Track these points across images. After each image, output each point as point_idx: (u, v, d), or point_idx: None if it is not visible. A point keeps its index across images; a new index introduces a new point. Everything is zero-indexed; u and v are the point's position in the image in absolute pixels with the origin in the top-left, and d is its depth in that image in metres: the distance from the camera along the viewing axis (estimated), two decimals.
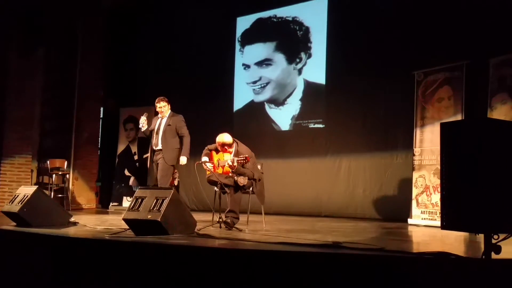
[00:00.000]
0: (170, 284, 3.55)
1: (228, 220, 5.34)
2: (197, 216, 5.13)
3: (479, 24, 6.60)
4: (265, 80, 9.25)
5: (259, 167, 5.90)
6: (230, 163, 5.46)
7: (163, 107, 6.50)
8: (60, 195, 9.15)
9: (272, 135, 9.10)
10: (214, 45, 9.79)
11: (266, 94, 9.25)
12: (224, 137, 5.67)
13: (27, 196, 5.42)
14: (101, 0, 10.19)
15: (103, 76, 10.45)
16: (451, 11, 6.94)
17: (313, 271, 3.17)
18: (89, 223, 5.77)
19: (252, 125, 9.31)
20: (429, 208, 6.66)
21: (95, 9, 10.05)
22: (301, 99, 8.86)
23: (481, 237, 3.12)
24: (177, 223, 4.55)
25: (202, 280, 3.44)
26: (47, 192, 7.97)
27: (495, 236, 3.02)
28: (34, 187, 5.65)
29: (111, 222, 6.14)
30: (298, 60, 8.93)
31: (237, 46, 9.70)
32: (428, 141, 6.85)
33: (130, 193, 9.47)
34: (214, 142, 5.77)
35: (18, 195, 5.58)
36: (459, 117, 6.49)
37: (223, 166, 5.63)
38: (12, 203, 5.56)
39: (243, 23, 9.70)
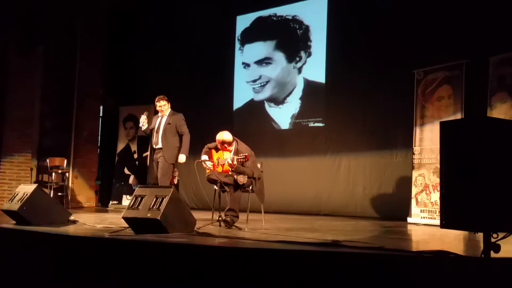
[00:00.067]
0: (170, 282, 3.55)
1: (228, 219, 5.34)
2: (196, 214, 5.13)
3: (479, 22, 6.60)
4: (265, 78, 9.25)
5: (258, 165, 5.90)
6: (230, 162, 5.45)
7: (163, 106, 6.50)
8: (59, 194, 9.16)
9: (272, 134, 9.10)
10: (214, 44, 9.79)
11: (266, 92, 9.25)
12: (224, 135, 5.67)
13: (27, 194, 5.42)
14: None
15: (103, 75, 10.44)
16: (451, 10, 6.94)
17: (312, 269, 3.18)
18: (88, 221, 5.77)
19: (252, 124, 9.31)
20: (429, 206, 6.66)
21: (95, 9, 10.05)
22: (301, 98, 8.86)
23: (480, 236, 3.12)
24: (177, 221, 4.55)
25: (202, 278, 3.44)
26: (46, 190, 7.97)
27: (495, 235, 3.02)
28: (34, 186, 5.66)
29: (111, 220, 6.14)
30: (298, 58, 8.93)
31: (237, 44, 9.69)
32: (427, 140, 6.86)
33: (130, 191, 9.48)
34: (214, 140, 5.77)
35: (17, 194, 5.58)
36: (458, 116, 6.49)
37: (222, 165, 5.63)
38: (11, 201, 5.56)
39: (243, 21, 9.69)
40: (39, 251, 4.39)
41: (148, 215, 4.45)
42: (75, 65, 9.84)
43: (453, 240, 4.63)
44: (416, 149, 6.97)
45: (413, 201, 6.86)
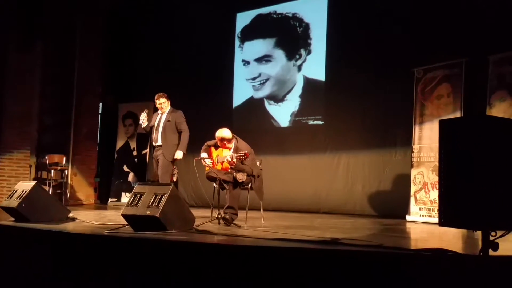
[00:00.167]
0: (169, 280, 3.55)
1: (227, 216, 5.34)
2: (195, 212, 5.13)
3: (479, 21, 6.60)
4: (265, 76, 9.24)
5: (258, 163, 5.90)
6: (230, 159, 5.45)
7: (163, 104, 6.49)
8: (58, 191, 9.15)
9: (272, 131, 9.10)
10: (213, 41, 9.77)
11: (266, 90, 9.24)
12: (223, 132, 5.67)
13: (26, 191, 5.41)
14: None
15: (102, 72, 10.43)
16: (450, 8, 6.93)
17: (311, 267, 3.18)
18: (87, 218, 5.77)
19: (251, 121, 9.30)
20: (428, 205, 6.66)
21: (95, 8, 10.04)
22: (300, 96, 8.85)
23: (479, 234, 3.12)
24: (176, 219, 4.55)
25: (201, 276, 3.45)
26: (45, 187, 7.97)
27: (493, 233, 3.03)
28: (33, 183, 5.65)
29: (110, 217, 6.14)
30: (297, 56, 8.92)
31: (237, 42, 9.68)
32: (427, 138, 6.86)
33: (129, 189, 9.48)
34: (214, 138, 5.77)
35: (16, 191, 5.58)
36: (458, 114, 6.50)
37: (222, 162, 5.62)
38: (10, 198, 5.56)
39: (243, 19, 9.68)
40: (38, 249, 4.39)
41: (147, 212, 4.45)
42: (74, 63, 9.83)
43: (452, 238, 4.63)
44: (415, 147, 6.97)
45: (412, 199, 6.87)
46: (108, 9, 10.42)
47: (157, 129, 6.46)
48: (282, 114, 9.04)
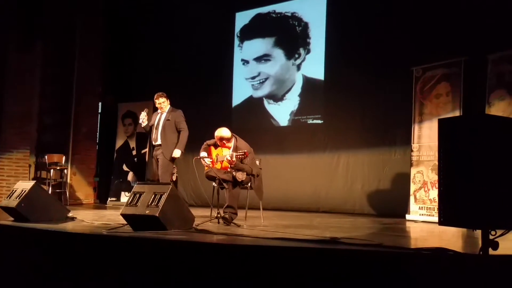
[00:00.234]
0: (168, 279, 3.55)
1: (226, 216, 5.34)
2: (195, 211, 5.13)
3: (478, 20, 6.60)
4: (264, 75, 9.24)
5: (257, 162, 5.90)
6: (229, 158, 5.45)
7: (163, 103, 6.49)
8: (58, 190, 9.14)
9: (271, 130, 9.10)
10: (213, 41, 9.77)
11: (265, 89, 9.24)
12: (223, 131, 5.67)
13: (25, 191, 5.41)
14: None
15: (102, 72, 10.43)
16: (450, 7, 6.93)
17: (311, 266, 3.18)
18: (87, 218, 5.77)
19: (250, 120, 9.30)
20: (427, 204, 6.67)
21: (94, 9, 10.04)
22: (299, 95, 8.85)
23: (478, 233, 3.12)
24: (175, 218, 4.55)
25: (200, 275, 3.45)
26: (45, 187, 7.96)
27: (493, 232, 3.03)
28: (32, 182, 5.64)
29: (109, 217, 6.14)
30: (297, 55, 8.92)
31: (236, 41, 9.68)
32: (426, 137, 6.86)
33: (128, 188, 9.48)
34: (213, 137, 5.77)
35: (16, 190, 5.57)
36: (457, 113, 6.49)
37: (221, 161, 5.62)
38: (10, 198, 5.55)
39: (242, 18, 9.68)
40: (37, 248, 4.39)
41: (147, 212, 4.45)
42: (74, 63, 9.83)
43: (452, 237, 4.63)
44: (415, 146, 6.98)
45: (412, 198, 6.87)
46: (108, 9, 10.42)
47: (156, 128, 6.45)
48: (281, 113, 9.04)
